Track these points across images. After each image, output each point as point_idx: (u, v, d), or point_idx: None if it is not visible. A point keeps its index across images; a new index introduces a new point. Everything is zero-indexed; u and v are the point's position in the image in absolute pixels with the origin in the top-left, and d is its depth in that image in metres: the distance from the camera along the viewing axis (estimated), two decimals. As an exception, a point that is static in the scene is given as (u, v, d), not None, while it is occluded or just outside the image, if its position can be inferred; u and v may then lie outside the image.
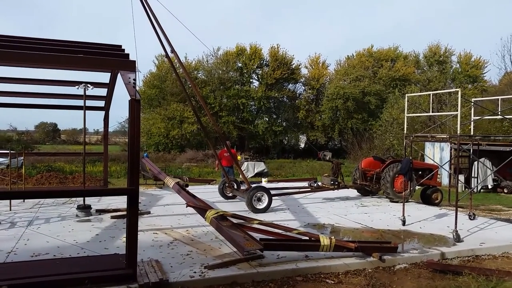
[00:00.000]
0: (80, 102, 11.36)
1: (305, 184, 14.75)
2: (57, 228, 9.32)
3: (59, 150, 36.91)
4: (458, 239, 8.61)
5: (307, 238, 7.45)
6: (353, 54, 45.82)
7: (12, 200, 11.67)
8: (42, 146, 45.64)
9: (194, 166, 27.59)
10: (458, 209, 9.30)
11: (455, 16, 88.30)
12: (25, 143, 35.17)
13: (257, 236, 7.43)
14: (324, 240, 7.11)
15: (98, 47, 7.95)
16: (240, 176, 13.18)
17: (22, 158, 14.09)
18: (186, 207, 8.57)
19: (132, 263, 5.98)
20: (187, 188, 9.53)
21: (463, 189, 16.99)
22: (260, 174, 23.99)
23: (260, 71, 41.45)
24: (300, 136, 44.39)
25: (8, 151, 13.89)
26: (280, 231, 7.99)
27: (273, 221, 8.77)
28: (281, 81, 41.41)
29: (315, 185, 14.31)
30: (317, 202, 13.64)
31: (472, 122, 11.33)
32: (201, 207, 8.19)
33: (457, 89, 10.13)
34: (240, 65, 41.17)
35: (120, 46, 8.55)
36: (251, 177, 23.04)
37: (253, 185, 12.39)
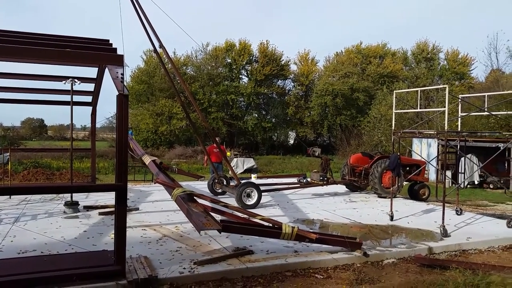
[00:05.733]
0: (67, 98, 11.21)
1: (295, 180, 14.79)
2: (44, 225, 9.22)
3: (46, 146, 36.43)
4: (445, 234, 8.72)
5: (270, 224, 7.39)
6: (342, 51, 46.01)
7: (-2, 197, 11.51)
8: (28, 142, 44.97)
9: (183, 162, 27.49)
10: (445, 204, 9.41)
11: (443, 13, 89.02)
12: (11, 139, 34.56)
13: (220, 218, 7.32)
14: (286, 228, 7.08)
15: (85, 42, 7.85)
16: (230, 172, 13.16)
17: (8, 154, 13.88)
18: (154, 183, 8.50)
19: (121, 260, 5.94)
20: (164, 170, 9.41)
21: (450, 185, 17.19)
22: (249, 170, 23.97)
23: (250, 67, 41.36)
24: (290, 133, 44.47)
25: (-7, 147, 13.69)
26: (245, 215, 7.92)
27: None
28: (271, 77, 41.37)
29: (304, 181, 14.35)
30: (306, 198, 13.69)
31: (459, 119, 11.46)
32: (169, 185, 8.09)
33: (444, 86, 10.23)
34: (229, 61, 41.04)
35: (108, 40, 8.46)
36: (241, 173, 23.03)
37: (243, 181, 12.38)
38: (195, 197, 7.72)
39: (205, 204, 7.59)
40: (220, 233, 6.82)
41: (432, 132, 11.05)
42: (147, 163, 9.68)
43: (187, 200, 7.38)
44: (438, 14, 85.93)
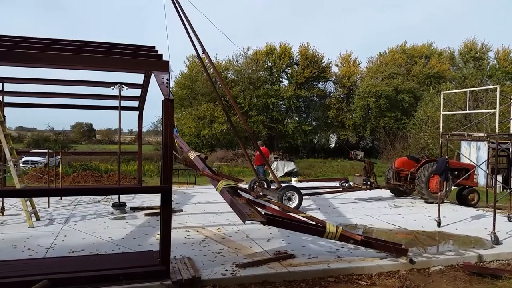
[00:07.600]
0: (114, 103, 11.66)
1: (336, 184, 14.57)
2: (93, 225, 9.60)
3: (94, 149, 37.95)
4: (496, 241, 8.31)
5: (313, 222, 7.28)
6: (385, 51, 44.98)
7: (50, 198, 12.09)
8: (78, 146, 47.04)
9: (224, 165, 27.80)
10: (496, 210, 8.97)
11: (493, 10, 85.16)
12: (62, 143, 36.36)
13: (264, 212, 7.29)
14: (330, 227, 6.95)
15: (132, 48, 8.10)
16: (271, 175, 13.17)
17: (59, 157, 14.59)
18: (201, 174, 8.63)
19: (166, 260, 6.08)
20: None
21: (501, 190, 16.37)
22: (290, 174, 23.89)
23: (290, 70, 41.26)
24: (331, 136, 43.93)
25: (46, 150, 14.41)
26: (288, 212, 7.87)
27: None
28: (311, 80, 41.09)
29: (346, 185, 14.12)
30: (348, 202, 13.47)
31: (511, 120, 10.91)
32: (214, 177, 8.19)
33: (495, 86, 9.79)
34: (269, 64, 41.11)
35: (154, 47, 8.70)
36: (281, 176, 22.96)
37: (284, 185, 12.36)
38: (239, 191, 7.79)
39: (249, 198, 7.65)
40: (264, 225, 6.82)
41: (482, 135, 10.58)
42: (192, 158, 9.86)
43: (231, 193, 7.46)
44: (487, 10, 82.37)
